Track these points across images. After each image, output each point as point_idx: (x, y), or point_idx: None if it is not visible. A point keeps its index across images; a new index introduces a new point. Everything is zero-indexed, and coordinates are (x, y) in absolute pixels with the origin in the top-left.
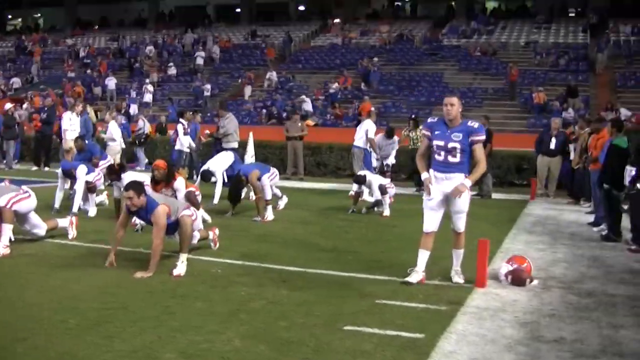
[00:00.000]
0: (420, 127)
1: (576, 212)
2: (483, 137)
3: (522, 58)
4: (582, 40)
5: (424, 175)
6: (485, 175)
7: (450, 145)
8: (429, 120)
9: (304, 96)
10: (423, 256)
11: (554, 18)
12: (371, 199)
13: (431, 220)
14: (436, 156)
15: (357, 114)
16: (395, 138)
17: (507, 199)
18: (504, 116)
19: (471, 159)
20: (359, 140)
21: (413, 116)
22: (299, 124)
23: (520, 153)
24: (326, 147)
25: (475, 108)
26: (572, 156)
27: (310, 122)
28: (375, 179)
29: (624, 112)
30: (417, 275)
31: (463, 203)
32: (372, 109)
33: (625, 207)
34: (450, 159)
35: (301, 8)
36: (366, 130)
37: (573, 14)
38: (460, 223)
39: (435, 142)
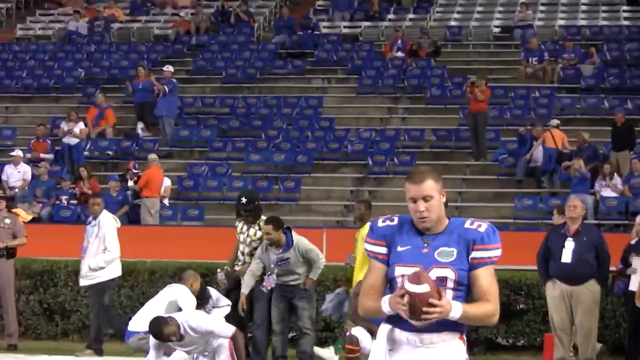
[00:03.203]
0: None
1: None
2: (498, 254)
3: (495, 62)
4: (630, 21)
5: (385, 307)
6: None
7: (435, 273)
8: (381, 222)
9: (18, 149)
10: None
11: None
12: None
13: None
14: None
15: (136, 191)
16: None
17: None
18: (461, 194)
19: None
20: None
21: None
22: (7, 220)
23: (511, 275)
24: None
25: (397, 178)
26: (633, 285)
27: (22, 213)
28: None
29: None
30: None
31: None
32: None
33: None
34: None
35: None
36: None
37: None
38: None
39: (400, 269)
